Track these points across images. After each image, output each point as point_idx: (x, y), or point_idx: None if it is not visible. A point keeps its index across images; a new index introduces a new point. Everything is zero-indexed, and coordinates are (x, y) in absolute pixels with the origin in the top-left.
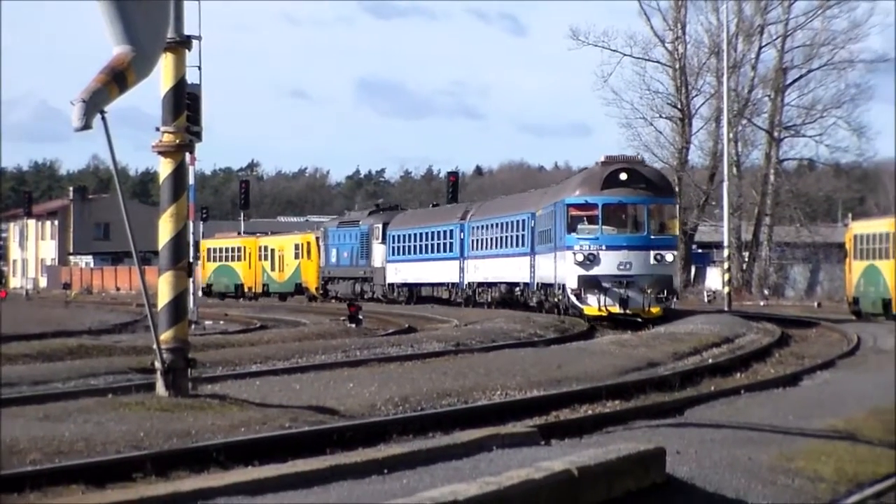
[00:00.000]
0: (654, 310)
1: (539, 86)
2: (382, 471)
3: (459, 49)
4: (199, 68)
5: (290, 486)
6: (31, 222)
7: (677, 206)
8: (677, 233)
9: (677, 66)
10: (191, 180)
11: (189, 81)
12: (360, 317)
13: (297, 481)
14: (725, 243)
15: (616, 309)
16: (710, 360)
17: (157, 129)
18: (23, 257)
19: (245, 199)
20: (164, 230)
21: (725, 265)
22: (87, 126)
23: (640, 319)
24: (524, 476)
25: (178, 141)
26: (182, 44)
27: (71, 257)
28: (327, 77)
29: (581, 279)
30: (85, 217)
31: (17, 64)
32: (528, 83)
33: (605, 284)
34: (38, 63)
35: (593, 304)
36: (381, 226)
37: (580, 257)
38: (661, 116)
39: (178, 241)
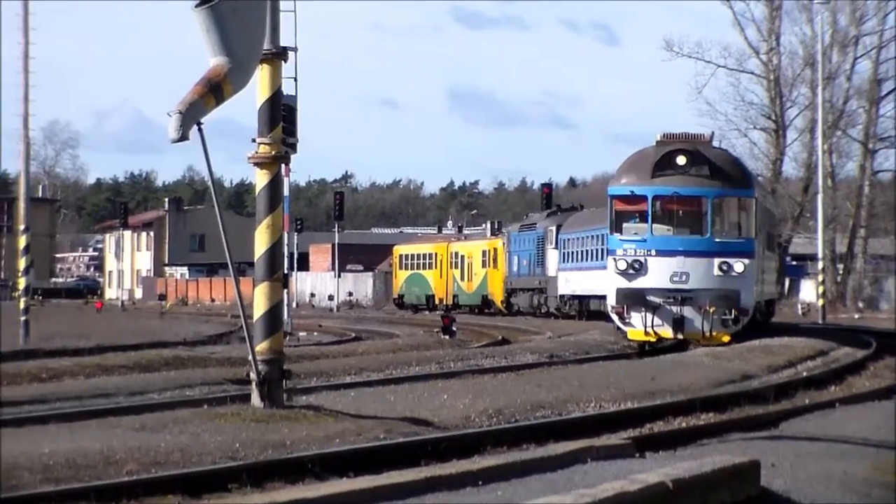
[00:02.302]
0: (718, 335)
1: (632, 96)
2: (477, 482)
3: (550, 58)
4: (295, 80)
5: (385, 498)
6: (127, 233)
7: (755, 201)
8: (753, 235)
9: (772, 77)
10: (286, 192)
11: (284, 93)
12: (454, 328)
13: (392, 493)
14: (820, 255)
15: (667, 333)
16: (805, 373)
17: (254, 141)
18: (118, 268)
19: (339, 210)
20: (260, 241)
21: (820, 277)
22: (183, 137)
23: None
24: (619, 488)
25: (273, 152)
26: (278, 55)
27: (166, 268)
28: (418, 87)
29: (622, 293)
30: (180, 228)
31: (112, 74)
32: (620, 94)
33: (654, 300)
34: (134, 74)
35: (637, 326)
36: (554, 229)
37: (622, 265)
38: (755, 128)
39: (274, 253)
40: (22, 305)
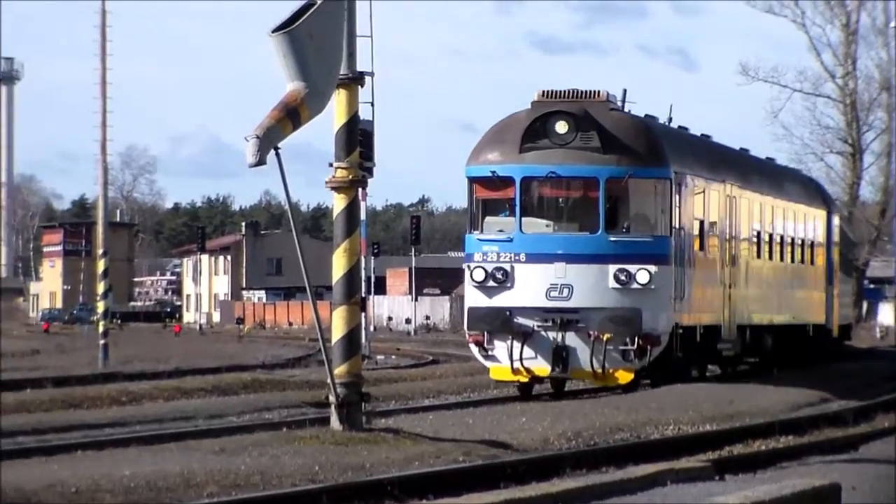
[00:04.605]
0: (617, 374)
1: (708, 120)
2: None
3: (627, 83)
4: (372, 104)
5: None
6: (205, 258)
7: (669, 183)
8: (666, 232)
9: (848, 101)
10: (363, 216)
11: (361, 117)
12: None
13: None
14: None
15: (544, 369)
16: (884, 396)
17: (331, 165)
18: (196, 292)
19: (416, 234)
20: (338, 265)
21: None
22: (261, 162)
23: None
24: None
25: (351, 177)
26: (355, 80)
27: (244, 292)
28: (496, 111)
29: (478, 314)
30: (257, 252)
31: (189, 100)
32: (697, 117)
33: (525, 324)
34: (211, 99)
35: (502, 360)
36: None
37: (479, 275)
38: (831, 152)
39: (352, 276)
40: (101, 329)
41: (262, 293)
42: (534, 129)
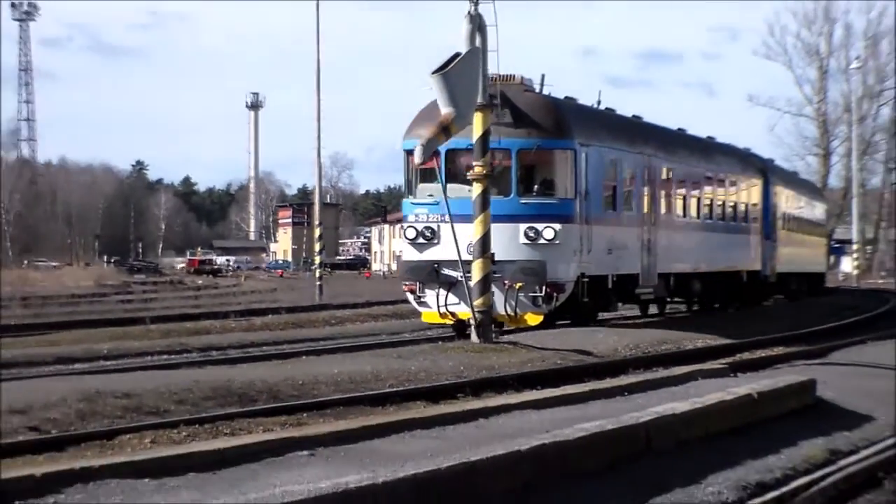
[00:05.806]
0: (527, 317)
1: (723, 136)
2: (624, 393)
3: (667, 109)
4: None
5: (562, 403)
6: (386, 227)
7: (573, 153)
8: (571, 195)
9: (821, 119)
10: None
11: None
12: None
13: (566, 400)
14: (854, 240)
15: (466, 313)
16: (846, 321)
17: (471, 164)
18: (380, 250)
19: None
20: (476, 231)
21: (855, 255)
22: (425, 162)
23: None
24: (720, 397)
25: (484, 171)
26: (487, 107)
27: None
28: None
29: (409, 267)
30: None
31: (378, 119)
32: (713, 132)
33: (450, 274)
34: (393, 118)
35: (432, 306)
36: None
37: (411, 233)
38: (809, 154)
39: (485, 239)
40: (317, 275)
41: None
42: None
